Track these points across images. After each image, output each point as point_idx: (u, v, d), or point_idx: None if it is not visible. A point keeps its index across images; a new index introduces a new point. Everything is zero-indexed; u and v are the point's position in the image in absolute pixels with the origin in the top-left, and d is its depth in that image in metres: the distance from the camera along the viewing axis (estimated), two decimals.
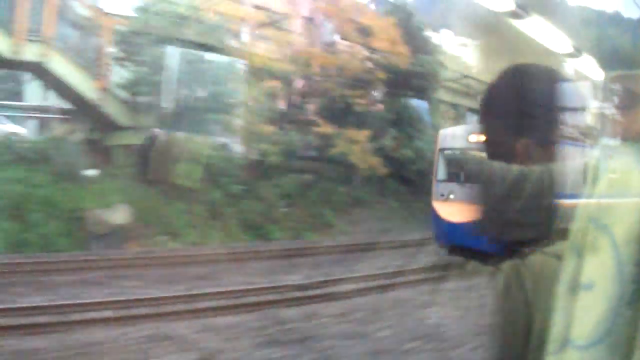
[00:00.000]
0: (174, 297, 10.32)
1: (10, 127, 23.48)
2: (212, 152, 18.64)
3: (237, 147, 20.29)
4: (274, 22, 21.98)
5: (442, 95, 27.40)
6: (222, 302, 10.27)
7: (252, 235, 18.54)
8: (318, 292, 11.56)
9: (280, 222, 19.33)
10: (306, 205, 20.24)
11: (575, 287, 1.80)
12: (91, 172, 18.38)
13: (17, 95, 28.15)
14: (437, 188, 16.53)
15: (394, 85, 23.05)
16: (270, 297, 10.82)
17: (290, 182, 20.01)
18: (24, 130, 24.47)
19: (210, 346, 8.00)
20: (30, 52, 16.91)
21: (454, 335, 8.72)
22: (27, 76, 24.84)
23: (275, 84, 20.91)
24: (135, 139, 18.69)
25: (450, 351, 8.17)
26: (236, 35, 21.35)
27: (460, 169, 16.56)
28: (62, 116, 22.16)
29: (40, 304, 9.51)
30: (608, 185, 1.77)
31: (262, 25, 21.75)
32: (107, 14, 19.31)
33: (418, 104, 25.19)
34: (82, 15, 19.37)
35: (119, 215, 16.63)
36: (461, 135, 16.36)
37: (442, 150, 16.82)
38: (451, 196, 15.94)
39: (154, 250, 15.71)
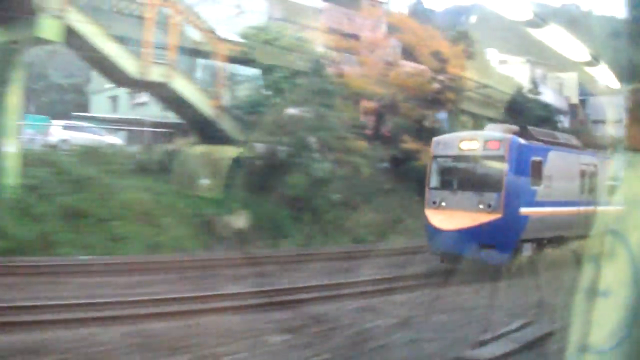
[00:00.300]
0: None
1: (108, 138, 26.00)
2: (313, 165, 20.56)
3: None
4: (362, 49, 24.40)
5: (464, 105, 28.75)
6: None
7: (349, 238, 20.78)
8: None
9: (370, 227, 21.20)
10: (387, 212, 22.06)
11: (592, 294, 1.93)
12: (206, 181, 20.44)
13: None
14: (430, 195, 16.29)
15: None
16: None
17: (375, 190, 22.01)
18: (119, 141, 26.89)
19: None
20: (155, 74, 19.05)
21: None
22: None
23: (366, 105, 23.22)
24: (245, 152, 20.71)
25: None
26: (332, 61, 23.69)
27: (452, 176, 16.46)
28: (170, 130, 24.42)
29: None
30: (625, 194, 1.87)
31: (353, 52, 24.21)
32: (221, 40, 21.49)
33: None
34: (198, 41, 21.61)
35: (240, 220, 18.65)
36: (453, 143, 16.27)
37: (435, 157, 16.67)
38: (443, 204, 15.80)
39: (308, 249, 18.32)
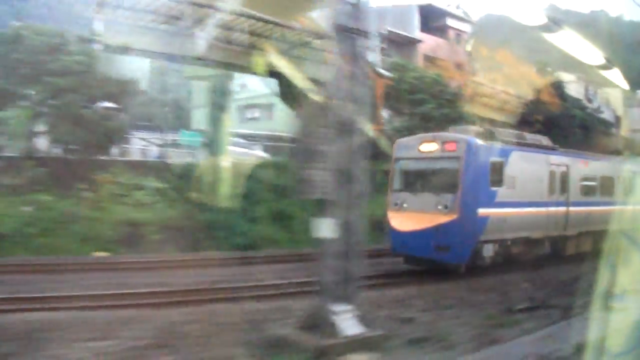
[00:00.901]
0: None
1: (259, 153, 30.12)
2: None
3: None
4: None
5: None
6: None
7: None
8: None
9: None
10: None
11: (609, 298, 2.17)
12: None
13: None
14: (392, 197, 16.33)
15: None
16: None
17: None
18: (266, 155, 30.29)
19: None
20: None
21: None
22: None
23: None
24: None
25: None
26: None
27: (413, 178, 16.40)
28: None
29: None
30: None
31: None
32: (380, 75, 25.59)
33: None
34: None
35: None
36: (414, 145, 16.32)
37: (396, 160, 16.68)
38: (404, 205, 15.83)
39: None
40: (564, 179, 18.16)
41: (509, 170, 15.79)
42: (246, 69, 21.87)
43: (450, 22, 37.82)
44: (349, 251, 8.44)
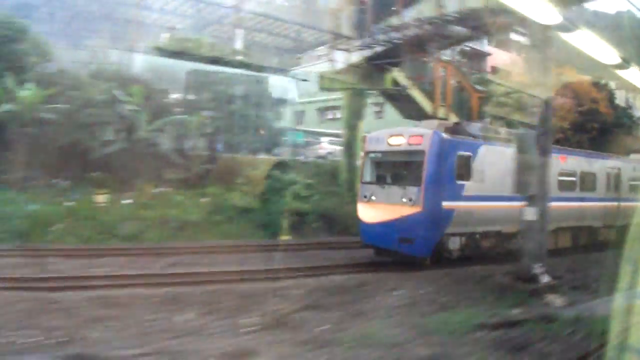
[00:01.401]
0: None
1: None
2: None
3: None
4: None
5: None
6: None
7: None
8: None
9: None
10: None
11: (632, 295, 2.54)
12: None
13: None
14: (362, 190, 16.67)
15: None
16: None
17: None
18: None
19: None
20: (441, 112, 24.83)
21: None
22: None
23: None
24: None
25: None
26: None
27: (381, 171, 16.70)
28: None
29: None
30: None
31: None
32: (476, 90, 28.18)
33: None
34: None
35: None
36: (383, 139, 16.44)
37: (367, 153, 16.96)
38: (373, 198, 16.08)
39: None
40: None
41: (478, 164, 15.81)
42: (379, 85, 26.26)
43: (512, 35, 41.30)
44: (542, 229, 13.28)
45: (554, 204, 17.05)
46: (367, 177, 16.88)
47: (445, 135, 15.40)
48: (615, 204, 21.45)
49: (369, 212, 16.08)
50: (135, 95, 24.45)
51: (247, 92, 31.14)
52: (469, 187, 15.55)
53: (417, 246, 14.84)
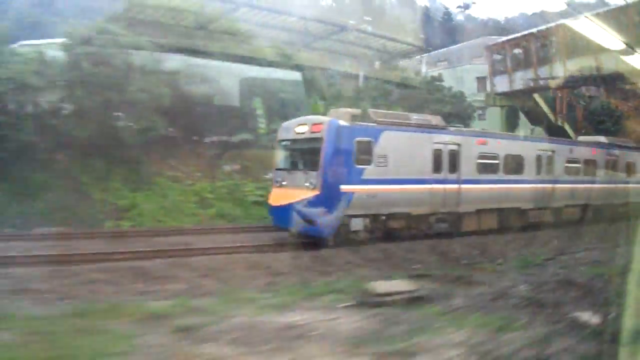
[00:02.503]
0: None
1: None
2: None
3: None
4: None
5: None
6: None
7: None
8: None
9: None
10: None
11: None
12: None
13: None
14: (274, 175, 17.75)
15: None
16: None
17: None
18: None
19: None
20: (559, 120, 33.29)
21: None
22: None
23: None
24: None
25: None
26: None
27: (289, 158, 17.63)
28: None
29: None
30: None
31: None
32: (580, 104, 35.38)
33: None
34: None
35: None
36: (291, 127, 17.38)
37: (279, 141, 17.90)
38: (284, 182, 17.09)
39: None
40: (454, 157, 18.32)
41: (379, 149, 16.42)
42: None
43: None
44: None
45: (472, 186, 18.26)
46: (279, 163, 17.98)
47: (342, 123, 16.13)
48: (549, 185, 21.57)
49: (276, 196, 17.13)
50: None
51: None
52: (370, 171, 16.24)
53: (318, 227, 15.65)
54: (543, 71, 30.57)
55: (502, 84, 33.30)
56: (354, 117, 16.62)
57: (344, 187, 15.77)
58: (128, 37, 22.67)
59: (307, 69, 29.71)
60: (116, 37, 22.31)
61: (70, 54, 22.41)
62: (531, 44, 30.87)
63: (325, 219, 15.63)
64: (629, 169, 25.92)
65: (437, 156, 17.78)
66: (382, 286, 8.88)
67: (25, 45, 24.71)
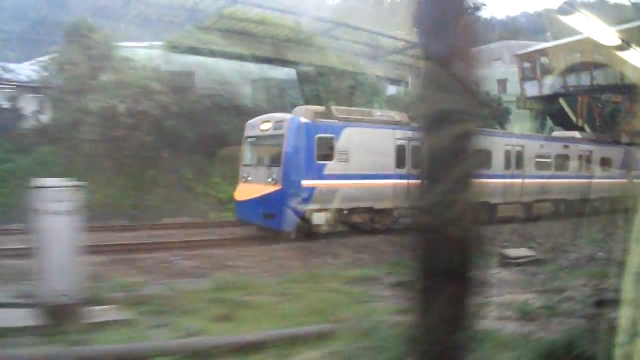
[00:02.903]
0: None
1: None
2: None
3: None
4: None
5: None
6: None
7: None
8: None
9: None
10: None
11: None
12: None
13: None
14: (241, 171, 18.08)
15: None
16: None
17: None
18: None
19: None
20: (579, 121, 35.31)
21: None
22: None
23: None
24: None
25: None
26: None
27: (255, 154, 18.06)
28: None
29: None
30: None
31: None
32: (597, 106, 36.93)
33: None
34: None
35: None
36: (257, 125, 17.84)
37: (245, 138, 18.31)
38: (249, 178, 17.52)
39: None
40: (418, 153, 19.54)
41: (341, 145, 16.82)
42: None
43: None
44: None
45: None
46: (245, 159, 18.50)
47: (303, 120, 16.59)
48: (518, 180, 21.62)
49: (241, 191, 17.66)
50: None
51: None
52: (331, 166, 16.63)
53: (279, 221, 16.08)
54: (571, 78, 33.02)
55: (531, 89, 35.93)
56: (316, 114, 17.02)
57: (305, 182, 16.14)
58: (227, 47, 25.49)
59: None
60: (219, 47, 25.15)
61: (179, 63, 25.96)
62: (560, 54, 33.28)
63: (286, 213, 16.00)
64: (604, 163, 26.10)
65: (400, 152, 17.94)
66: (512, 252, 13.19)
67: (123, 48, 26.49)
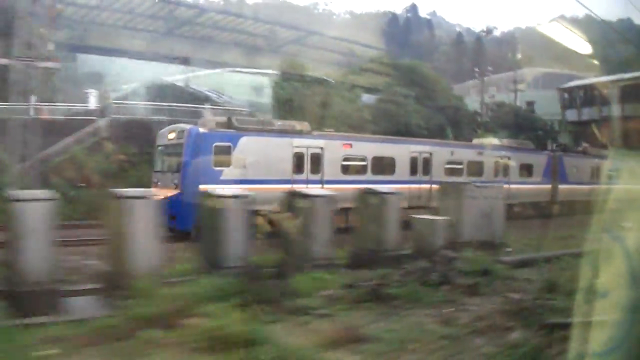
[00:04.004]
0: None
1: None
2: None
3: None
4: None
5: None
6: None
7: None
8: None
9: None
10: None
11: (592, 296, 1.97)
12: None
13: None
14: (153, 176, 19.53)
15: None
16: None
17: None
18: None
19: None
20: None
21: None
22: None
23: None
24: None
25: None
26: None
27: (163, 161, 19.51)
28: None
29: None
30: (620, 194, 2.07)
31: None
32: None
33: None
34: None
35: None
36: (165, 134, 19.39)
37: (156, 146, 19.82)
38: (159, 183, 18.99)
39: None
40: (317, 159, 19.69)
41: (238, 153, 18.17)
42: None
43: None
44: None
45: (336, 186, 18.45)
46: (156, 165, 20.11)
47: (202, 130, 18.18)
48: (426, 186, 22.22)
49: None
50: None
51: None
52: (228, 172, 17.96)
53: (180, 222, 17.31)
54: (605, 109, 39.69)
55: (570, 115, 45.44)
56: (217, 125, 18.58)
57: (202, 187, 16.80)
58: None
59: None
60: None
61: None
62: (595, 90, 41.14)
63: (186, 215, 16.97)
64: (524, 169, 26.90)
65: (298, 158, 19.18)
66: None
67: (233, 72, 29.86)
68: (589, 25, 25.62)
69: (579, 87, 44.57)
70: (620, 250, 1.92)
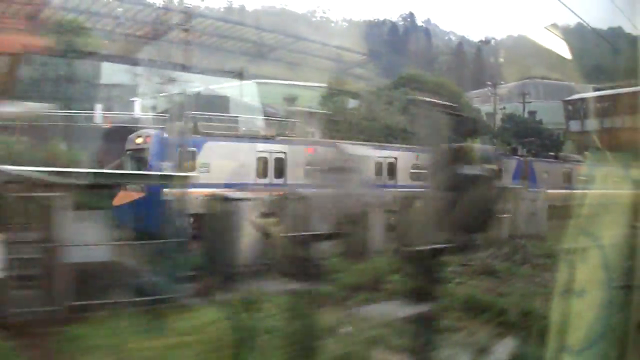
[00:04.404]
0: None
1: None
2: None
3: None
4: None
5: None
6: None
7: None
8: None
9: None
10: None
11: (568, 295, 2.12)
12: None
13: None
14: None
15: None
16: None
17: None
18: None
19: None
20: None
21: None
22: None
23: None
24: None
25: None
26: None
27: (132, 164, 19.73)
28: None
29: None
30: (596, 196, 2.25)
31: None
32: None
33: None
34: None
35: None
36: (133, 139, 19.75)
37: (125, 150, 20.21)
38: (128, 186, 19.05)
39: None
40: (281, 163, 20.10)
41: (202, 157, 18.66)
42: None
43: None
44: None
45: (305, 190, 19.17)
46: (125, 169, 20.25)
47: (166, 135, 18.45)
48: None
49: (120, 197, 19.26)
50: None
51: None
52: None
53: (147, 224, 16.95)
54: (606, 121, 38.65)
55: (574, 126, 47.11)
56: (182, 130, 18.44)
57: (166, 190, 16.98)
58: None
59: None
60: None
61: None
62: (598, 103, 41.45)
63: (152, 217, 16.79)
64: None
65: (262, 163, 19.66)
66: None
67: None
68: (581, 34, 25.45)
69: (582, 100, 46.91)
70: (596, 250, 2.04)
